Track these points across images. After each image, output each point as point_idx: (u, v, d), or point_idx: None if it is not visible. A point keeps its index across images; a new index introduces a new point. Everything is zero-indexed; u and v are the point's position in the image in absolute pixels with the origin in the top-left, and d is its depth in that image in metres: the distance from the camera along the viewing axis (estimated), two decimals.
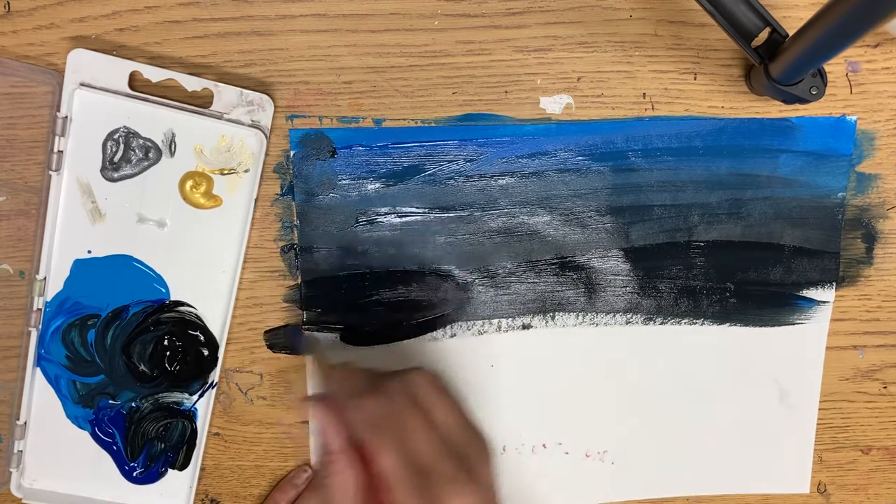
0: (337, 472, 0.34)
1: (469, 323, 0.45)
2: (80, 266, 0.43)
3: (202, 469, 0.46)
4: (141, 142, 0.42)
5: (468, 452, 0.35)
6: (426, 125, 0.43)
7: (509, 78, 0.43)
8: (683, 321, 0.45)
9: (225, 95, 0.41)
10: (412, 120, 0.43)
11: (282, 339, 0.44)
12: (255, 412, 0.46)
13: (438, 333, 0.45)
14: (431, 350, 0.45)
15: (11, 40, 0.41)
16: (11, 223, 0.43)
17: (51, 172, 0.41)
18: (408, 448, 0.34)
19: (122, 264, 0.43)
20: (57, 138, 0.41)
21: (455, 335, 0.45)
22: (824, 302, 0.45)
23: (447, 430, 0.36)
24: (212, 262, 0.43)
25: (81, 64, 0.41)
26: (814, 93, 0.40)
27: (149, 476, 0.45)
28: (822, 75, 0.39)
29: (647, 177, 0.44)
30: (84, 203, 0.42)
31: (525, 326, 0.45)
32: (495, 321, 0.45)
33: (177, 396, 0.44)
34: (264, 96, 0.41)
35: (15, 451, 0.44)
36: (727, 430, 0.47)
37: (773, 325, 0.45)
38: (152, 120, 0.41)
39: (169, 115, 0.41)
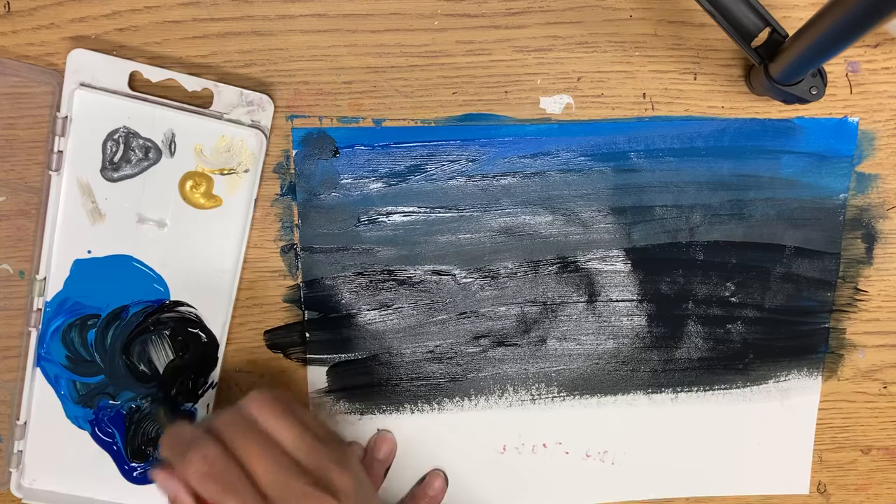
0: None
1: (469, 327, 0.45)
2: (80, 266, 0.43)
3: None
4: (141, 142, 0.42)
5: (321, 463, 0.35)
6: (426, 125, 0.43)
7: (509, 78, 0.43)
8: (686, 323, 0.45)
9: (225, 95, 0.41)
10: (412, 120, 0.43)
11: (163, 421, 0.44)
12: None
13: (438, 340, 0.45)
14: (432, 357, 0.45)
15: (11, 40, 0.41)
16: (11, 223, 0.43)
17: (51, 172, 0.41)
18: (254, 480, 0.34)
19: (122, 264, 0.43)
20: (57, 138, 0.41)
21: (454, 340, 0.45)
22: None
23: (294, 445, 0.35)
24: (212, 262, 0.43)
25: (81, 64, 0.41)
26: (814, 93, 0.40)
27: (149, 476, 0.45)
28: (822, 75, 0.39)
29: (649, 177, 0.44)
30: (84, 203, 0.42)
31: (526, 329, 0.45)
32: (495, 323, 0.45)
33: None
34: (264, 96, 0.41)
35: (15, 451, 0.44)
36: (727, 431, 0.47)
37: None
38: (152, 120, 0.41)
39: (169, 115, 0.41)
